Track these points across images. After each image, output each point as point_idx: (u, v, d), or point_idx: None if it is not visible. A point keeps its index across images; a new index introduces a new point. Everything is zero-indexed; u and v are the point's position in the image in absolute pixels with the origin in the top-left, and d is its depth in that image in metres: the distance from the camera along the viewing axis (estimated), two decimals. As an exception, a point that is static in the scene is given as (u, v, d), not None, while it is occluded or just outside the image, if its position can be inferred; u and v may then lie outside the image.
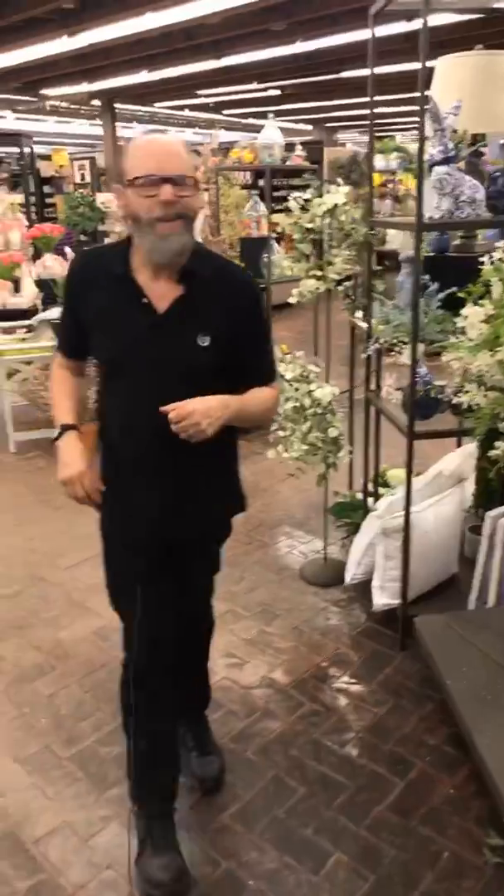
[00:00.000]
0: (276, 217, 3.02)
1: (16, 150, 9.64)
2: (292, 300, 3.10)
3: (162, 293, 1.64)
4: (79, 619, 3.03)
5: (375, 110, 2.90)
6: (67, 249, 7.96)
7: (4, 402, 4.96)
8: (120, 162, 1.63)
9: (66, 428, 1.78)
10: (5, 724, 2.47)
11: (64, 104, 14.55)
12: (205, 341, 1.62)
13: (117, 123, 13.47)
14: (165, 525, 1.78)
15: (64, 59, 9.15)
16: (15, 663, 2.78)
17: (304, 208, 2.95)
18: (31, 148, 9.88)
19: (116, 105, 13.29)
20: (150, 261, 1.62)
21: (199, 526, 1.83)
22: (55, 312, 5.42)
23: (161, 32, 7.75)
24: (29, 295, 7.45)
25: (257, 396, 1.72)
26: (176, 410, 1.54)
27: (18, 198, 8.84)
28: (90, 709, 2.52)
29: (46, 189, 12.79)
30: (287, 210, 3.02)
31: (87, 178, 12.92)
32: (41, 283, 7.65)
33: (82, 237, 10.18)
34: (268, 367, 1.79)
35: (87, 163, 13.28)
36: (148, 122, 17.95)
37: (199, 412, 1.54)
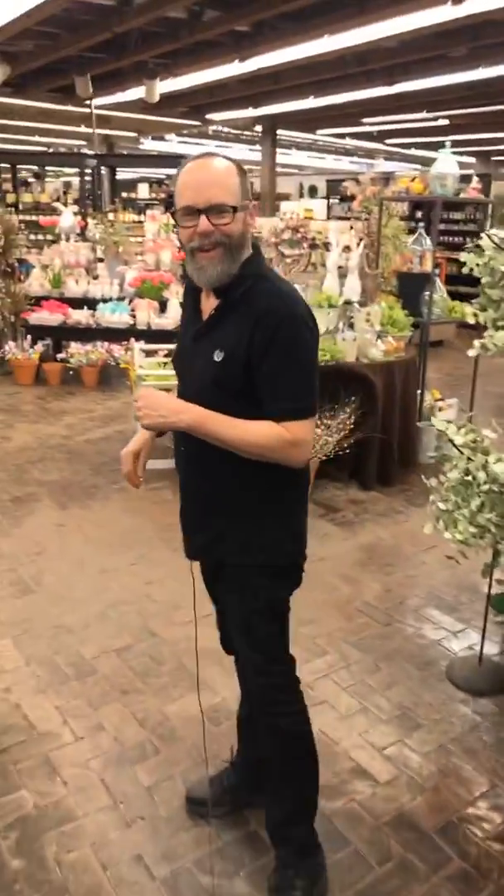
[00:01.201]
0: (465, 256, 2.58)
1: (175, 171, 9.72)
2: (472, 353, 2.63)
3: (208, 308, 1.71)
4: (189, 691, 2.68)
5: None
6: (216, 272, 7.86)
7: (139, 427, 4.77)
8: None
9: None
10: (97, 814, 2.15)
11: (226, 129, 14.75)
12: (219, 356, 1.63)
13: (277, 149, 13.46)
14: (187, 537, 1.86)
15: (232, 83, 9.14)
16: (116, 737, 2.47)
17: (500, 247, 2.49)
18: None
19: (278, 131, 13.27)
20: None
21: (205, 551, 1.83)
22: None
23: (334, 56, 7.50)
24: (174, 316, 7.37)
25: (246, 426, 1.61)
26: (137, 392, 1.74)
27: (168, 218, 8.85)
28: (193, 815, 2.15)
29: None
30: (477, 248, 2.57)
31: (242, 202, 12.99)
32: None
33: (231, 260, 10.12)
34: (281, 401, 1.61)
35: (242, 187, 13.38)
36: (307, 150, 17.92)
37: (144, 399, 1.66)
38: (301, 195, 19.77)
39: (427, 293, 5.09)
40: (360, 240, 5.56)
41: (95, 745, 2.43)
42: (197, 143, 17.36)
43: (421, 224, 6.07)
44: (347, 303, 4.91)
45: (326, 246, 8.45)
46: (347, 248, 9.11)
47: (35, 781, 2.27)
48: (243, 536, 1.73)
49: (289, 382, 1.59)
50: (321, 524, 4.19)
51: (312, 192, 20.41)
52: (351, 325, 4.89)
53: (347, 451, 4.45)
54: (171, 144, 17.15)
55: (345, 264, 5.28)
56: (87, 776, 2.30)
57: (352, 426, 4.40)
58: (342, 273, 5.22)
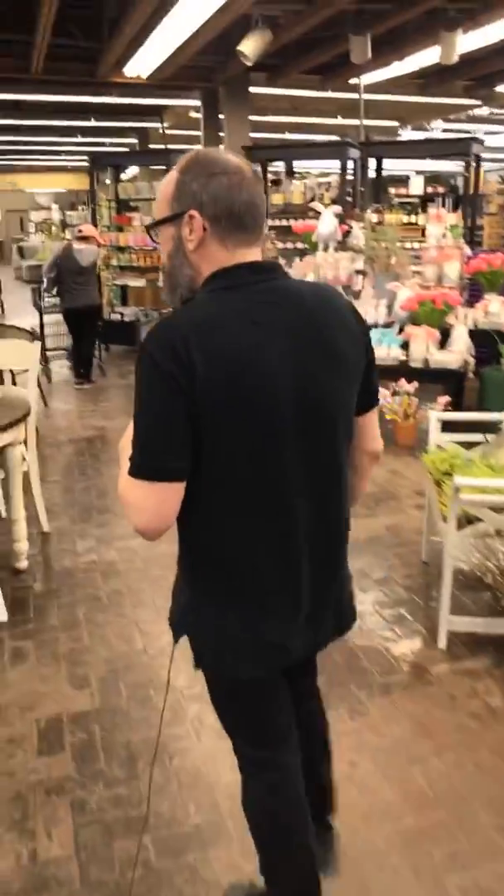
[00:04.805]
0: None
1: (461, 159, 7.70)
2: None
3: None
4: None
5: None
6: (520, 290, 5.77)
7: (446, 559, 2.89)
8: None
9: None
10: None
11: (499, 111, 12.33)
12: None
13: None
14: None
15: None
16: None
17: None
18: (479, 157, 7.79)
19: None
20: None
21: None
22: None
23: None
24: (460, 350, 5.45)
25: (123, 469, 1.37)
26: None
27: (456, 218, 6.82)
28: None
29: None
30: None
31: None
32: (477, 334, 5.65)
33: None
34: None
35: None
36: None
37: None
38: None
39: None
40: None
41: None
42: (461, 132, 14.99)
43: None
44: None
45: None
46: None
47: None
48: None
49: (134, 429, 1.30)
50: None
51: None
52: None
53: None
54: (433, 134, 14.98)
55: None
56: None
57: None
58: None
